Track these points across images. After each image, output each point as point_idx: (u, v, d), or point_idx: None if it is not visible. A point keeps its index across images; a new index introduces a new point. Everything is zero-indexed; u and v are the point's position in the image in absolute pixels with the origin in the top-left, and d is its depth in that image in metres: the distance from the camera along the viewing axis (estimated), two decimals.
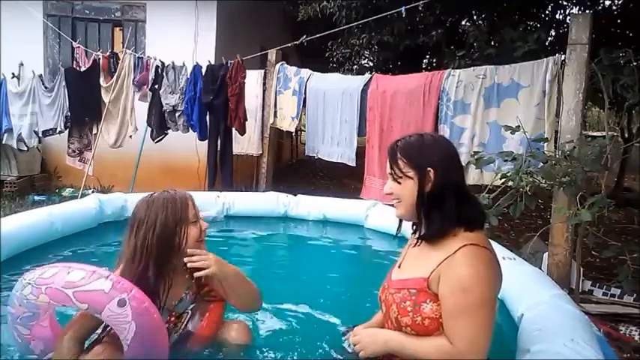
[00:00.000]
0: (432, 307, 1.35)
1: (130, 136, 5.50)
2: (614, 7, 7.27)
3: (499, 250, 2.75)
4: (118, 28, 6.70)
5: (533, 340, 1.66)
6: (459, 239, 1.36)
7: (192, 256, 1.58)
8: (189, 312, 1.66)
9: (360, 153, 5.08)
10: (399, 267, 1.55)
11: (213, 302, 1.71)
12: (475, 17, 7.66)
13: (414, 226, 1.52)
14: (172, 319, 1.62)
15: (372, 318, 1.69)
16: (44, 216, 3.26)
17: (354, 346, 1.49)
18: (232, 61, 5.16)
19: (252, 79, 5.53)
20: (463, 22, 7.91)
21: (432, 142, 1.49)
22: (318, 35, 5.33)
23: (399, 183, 1.44)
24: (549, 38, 6.55)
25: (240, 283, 1.69)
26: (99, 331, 1.55)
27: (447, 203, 1.39)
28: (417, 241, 1.48)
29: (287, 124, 5.57)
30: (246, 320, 1.97)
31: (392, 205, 1.53)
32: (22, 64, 6.19)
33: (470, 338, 1.29)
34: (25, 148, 5.76)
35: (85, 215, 3.60)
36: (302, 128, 7.93)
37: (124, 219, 3.85)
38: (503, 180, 2.89)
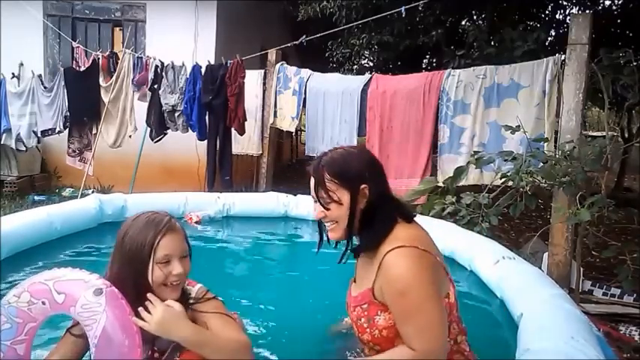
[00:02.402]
0: (384, 317, 1.33)
1: (130, 136, 5.50)
2: (614, 7, 7.28)
3: (499, 250, 2.77)
4: (117, 28, 6.70)
5: (533, 338, 1.66)
6: (386, 244, 1.33)
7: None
8: (171, 349, 1.42)
9: None
10: (355, 281, 1.52)
11: None
12: (475, 17, 7.66)
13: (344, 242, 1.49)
14: (155, 354, 1.42)
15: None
16: (43, 215, 3.25)
17: None
18: (232, 61, 5.16)
19: (252, 79, 5.53)
20: (463, 22, 7.91)
21: (357, 155, 1.43)
22: (318, 35, 5.33)
23: (329, 207, 1.39)
24: (549, 38, 6.56)
25: (204, 347, 1.33)
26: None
27: (384, 213, 1.38)
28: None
29: (287, 124, 5.57)
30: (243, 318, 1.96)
31: None
32: (21, 64, 6.19)
33: (425, 337, 1.27)
34: (24, 149, 5.76)
35: (84, 215, 3.59)
36: (302, 128, 7.92)
37: (123, 219, 3.86)
38: (503, 180, 2.89)
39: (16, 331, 1.26)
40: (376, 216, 1.37)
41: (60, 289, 1.27)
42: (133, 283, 1.35)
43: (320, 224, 1.50)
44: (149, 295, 1.34)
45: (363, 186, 1.37)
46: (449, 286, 1.41)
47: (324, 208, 1.39)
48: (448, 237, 3.01)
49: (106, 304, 1.25)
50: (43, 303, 1.27)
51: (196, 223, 3.93)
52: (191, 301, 1.45)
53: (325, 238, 1.49)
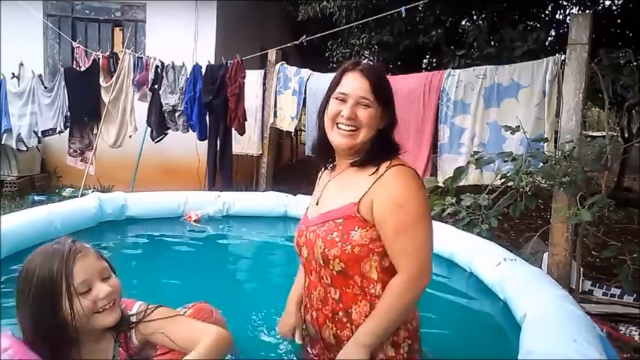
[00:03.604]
0: (360, 234, 1.32)
1: (130, 136, 5.50)
2: (614, 7, 7.28)
3: (500, 252, 2.76)
4: (117, 28, 6.70)
5: (536, 340, 1.66)
6: (385, 162, 1.36)
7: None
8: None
9: None
10: (317, 204, 1.48)
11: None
12: (475, 17, 7.66)
13: (326, 160, 1.51)
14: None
15: (292, 295, 1.62)
16: (43, 214, 3.25)
17: None
18: (232, 61, 5.16)
19: (252, 79, 5.53)
20: (463, 22, 7.91)
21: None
22: (318, 35, 5.33)
23: (366, 109, 1.37)
24: (549, 38, 6.56)
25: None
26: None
27: (393, 139, 1.43)
28: (330, 175, 1.49)
29: (287, 124, 5.56)
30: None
31: None
32: (21, 64, 6.19)
33: (416, 254, 1.30)
34: (25, 149, 5.76)
35: (84, 214, 3.59)
36: (302, 128, 7.92)
37: (124, 219, 3.85)
38: (503, 180, 2.89)
39: None
40: (388, 141, 1.41)
41: None
42: (49, 329, 1.17)
43: None
44: None
45: (392, 110, 1.41)
46: None
47: (365, 106, 1.36)
48: (448, 239, 3.01)
49: None
50: None
51: (195, 221, 3.93)
52: (133, 320, 1.31)
53: (339, 142, 1.40)
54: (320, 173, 1.57)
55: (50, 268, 1.16)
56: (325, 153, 1.49)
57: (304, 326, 1.54)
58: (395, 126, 1.44)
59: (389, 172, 1.32)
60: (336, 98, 1.39)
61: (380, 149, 1.38)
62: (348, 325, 1.37)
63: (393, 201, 1.29)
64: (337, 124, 1.38)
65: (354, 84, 1.36)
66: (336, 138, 1.39)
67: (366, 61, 1.45)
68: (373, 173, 1.35)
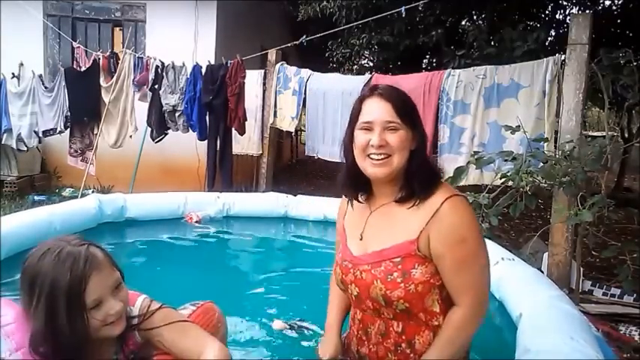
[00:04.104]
0: (421, 271, 1.29)
1: (130, 136, 5.50)
2: (614, 7, 7.27)
3: (498, 251, 2.77)
4: (118, 28, 6.70)
5: (532, 339, 1.67)
6: (436, 193, 1.30)
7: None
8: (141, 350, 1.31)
9: None
10: (361, 239, 1.41)
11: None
12: (475, 17, 7.66)
13: (357, 193, 1.43)
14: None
15: (331, 322, 1.54)
16: (43, 215, 3.26)
17: None
18: (232, 61, 5.16)
19: (252, 79, 5.53)
20: (463, 22, 7.91)
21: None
22: (318, 35, 5.34)
23: (395, 132, 1.30)
24: (549, 38, 6.55)
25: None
26: None
27: (430, 163, 1.38)
28: (370, 207, 1.41)
29: (287, 124, 5.57)
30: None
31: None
32: (22, 64, 6.19)
33: (476, 287, 1.29)
34: (25, 149, 5.76)
35: (84, 215, 3.60)
36: (302, 128, 7.92)
37: (123, 220, 3.86)
38: (503, 180, 2.89)
39: None
40: (426, 163, 1.36)
41: None
42: (57, 338, 1.13)
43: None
44: None
45: (420, 128, 1.35)
46: None
47: (394, 130, 1.30)
48: None
49: None
50: None
51: (196, 222, 3.94)
52: (135, 322, 1.27)
53: (374, 172, 1.33)
54: (347, 203, 1.50)
55: (64, 280, 1.10)
56: (357, 185, 1.42)
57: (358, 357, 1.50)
58: (427, 143, 1.39)
59: (445, 205, 1.27)
60: (362, 128, 1.34)
61: (422, 178, 1.32)
62: (411, 355, 1.35)
63: (453, 237, 1.26)
64: (369, 154, 1.32)
65: (377, 110, 1.32)
66: (370, 168, 1.33)
67: (381, 84, 1.37)
68: (419, 205, 1.31)
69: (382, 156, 1.30)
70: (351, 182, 1.43)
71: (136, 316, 1.28)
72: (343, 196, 1.51)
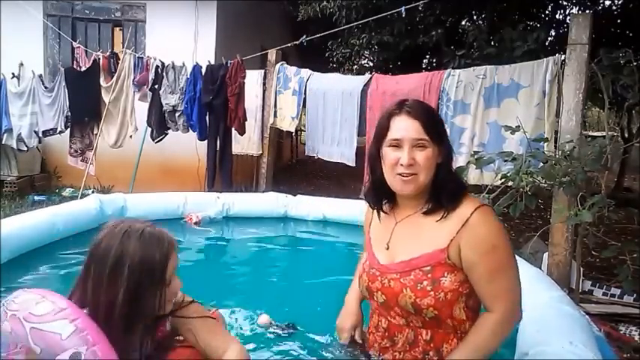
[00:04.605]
0: (450, 279, 1.32)
1: (130, 136, 5.50)
2: (614, 7, 7.28)
3: None
4: (118, 28, 6.70)
5: (532, 342, 1.66)
6: (464, 204, 1.34)
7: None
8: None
9: (360, 153, 5.08)
10: (387, 249, 1.45)
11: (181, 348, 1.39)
12: (475, 17, 7.66)
13: (382, 201, 1.47)
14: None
15: (351, 298, 1.61)
16: (45, 217, 3.26)
17: None
18: (232, 61, 5.16)
19: (252, 79, 5.53)
20: (463, 22, 7.91)
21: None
22: (318, 35, 5.34)
23: (423, 150, 1.33)
24: (549, 38, 6.55)
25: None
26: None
27: (456, 174, 1.43)
28: (396, 218, 1.45)
29: (287, 124, 5.57)
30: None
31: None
32: (22, 64, 6.19)
33: (508, 296, 1.32)
34: (25, 149, 5.76)
35: (85, 216, 3.60)
36: (302, 128, 7.93)
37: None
38: (503, 180, 2.89)
39: (8, 347, 1.14)
40: (452, 175, 1.40)
41: (36, 339, 1.09)
42: (139, 313, 1.21)
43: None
44: None
45: (446, 142, 1.38)
46: None
47: (421, 148, 1.32)
48: None
49: None
50: (21, 339, 1.10)
51: (196, 224, 3.93)
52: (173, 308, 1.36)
53: (402, 189, 1.37)
54: (372, 213, 1.53)
55: (153, 257, 1.21)
56: (382, 195, 1.47)
57: None
58: (452, 156, 1.41)
59: (475, 215, 1.31)
60: (391, 145, 1.36)
61: (449, 191, 1.36)
62: None
63: (484, 246, 1.30)
64: (398, 173, 1.35)
65: (406, 127, 1.33)
66: (399, 185, 1.36)
67: (409, 100, 1.39)
68: (453, 217, 1.34)
69: (410, 173, 1.33)
70: (377, 194, 1.47)
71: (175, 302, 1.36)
72: (368, 206, 1.55)
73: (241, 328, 2.03)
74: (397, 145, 1.34)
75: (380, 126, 1.40)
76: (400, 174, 1.34)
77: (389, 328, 1.44)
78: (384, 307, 1.43)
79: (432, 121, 1.36)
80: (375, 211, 1.50)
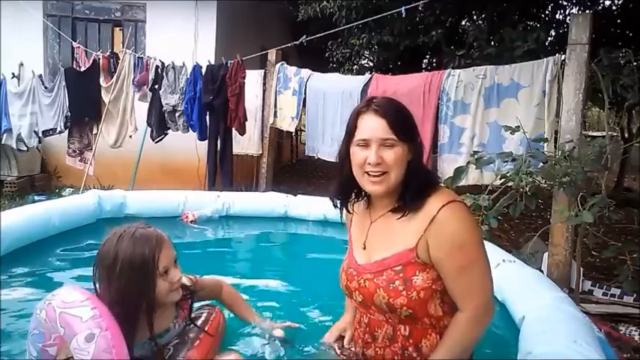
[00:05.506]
0: (422, 278, 1.30)
1: (130, 136, 5.50)
2: (614, 7, 7.27)
3: (499, 253, 2.76)
4: (118, 28, 6.71)
5: (535, 342, 1.66)
6: (432, 200, 1.30)
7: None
8: (171, 348, 1.55)
9: None
10: (364, 248, 1.44)
11: (204, 334, 1.62)
12: (475, 17, 7.66)
13: (356, 201, 1.47)
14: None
15: (341, 324, 1.65)
16: (42, 211, 3.24)
17: None
18: (232, 61, 5.16)
19: (252, 79, 5.53)
20: (463, 22, 7.91)
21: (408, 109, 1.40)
22: (318, 35, 5.33)
23: (391, 149, 1.30)
24: (549, 38, 6.55)
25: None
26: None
27: (427, 170, 1.41)
28: (371, 217, 1.44)
29: (287, 124, 5.56)
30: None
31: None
32: (22, 64, 6.20)
33: (478, 292, 1.31)
34: (25, 149, 5.76)
35: (83, 211, 3.58)
36: (302, 128, 7.93)
37: (123, 216, 3.85)
38: (503, 180, 2.89)
39: (44, 337, 1.34)
40: (420, 172, 1.36)
41: (62, 322, 1.27)
42: (135, 302, 1.40)
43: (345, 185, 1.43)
44: None
45: (416, 139, 1.35)
46: None
47: (388, 147, 1.30)
48: None
49: (94, 354, 1.22)
50: (53, 328, 1.30)
51: (192, 222, 3.91)
52: (192, 290, 1.66)
53: (372, 189, 1.36)
54: (346, 212, 1.52)
55: (142, 253, 1.39)
56: (349, 193, 1.46)
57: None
58: (423, 151, 1.39)
59: (443, 212, 1.27)
60: (358, 145, 1.33)
61: (413, 189, 1.33)
62: (417, 358, 1.37)
63: (452, 242, 1.27)
64: (366, 171, 1.33)
65: (373, 126, 1.31)
66: (369, 185, 1.34)
67: (377, 98, 1.35)
68: (413, 213, 1.31)
69: (379, 173, 1.31)
70: (344, 194, 1.48)
71: (191, 285, 1.65)
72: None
73: (240, 328, 2.03)
74: (365, 144, 1.32)
75: (348, 124, 1.38)
76: (368, 172, 1.32)
77: (370, 324, 1.45)
78: (362, 305, 1.44)
79: (400, 118, 1.32)
80: (340, 209, 1.51)
